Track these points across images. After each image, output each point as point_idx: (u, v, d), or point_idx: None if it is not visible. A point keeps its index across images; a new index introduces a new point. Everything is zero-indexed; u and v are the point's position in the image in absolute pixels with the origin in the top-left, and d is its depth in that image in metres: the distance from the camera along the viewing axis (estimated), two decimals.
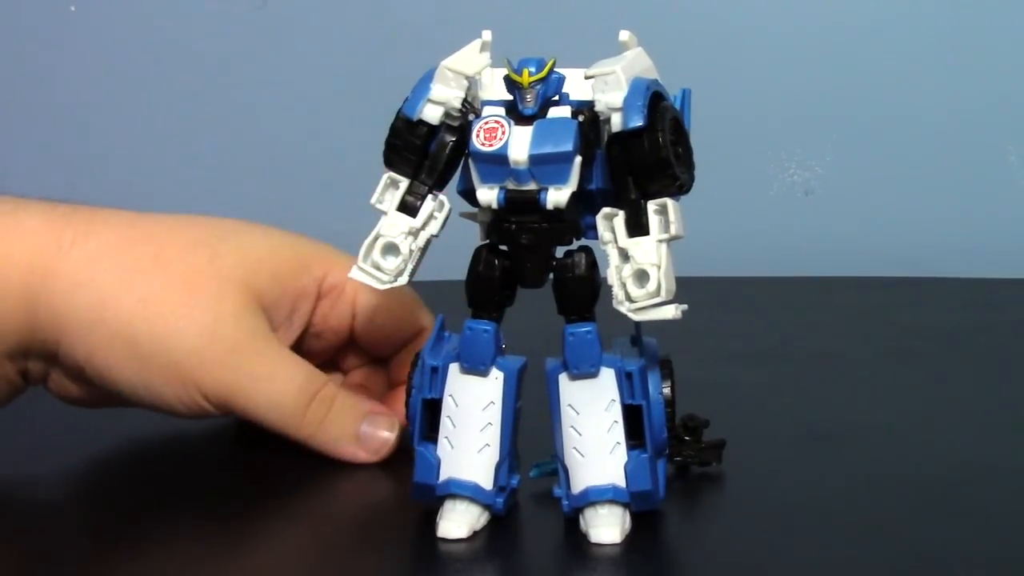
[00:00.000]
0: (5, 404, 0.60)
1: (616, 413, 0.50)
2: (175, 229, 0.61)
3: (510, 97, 0.49)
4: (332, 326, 0.63)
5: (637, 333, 0.53)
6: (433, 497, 0.51)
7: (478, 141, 0.49)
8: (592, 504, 0.50)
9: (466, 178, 0.50)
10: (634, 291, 0.48)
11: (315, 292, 0.62)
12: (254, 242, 0.61)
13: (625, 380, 0.50)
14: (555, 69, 0.49)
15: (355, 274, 0.51)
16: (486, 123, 0.49)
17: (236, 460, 0.62)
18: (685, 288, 0.49)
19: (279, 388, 0.58)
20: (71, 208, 0.60)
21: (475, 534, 0.50)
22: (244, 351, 0.58)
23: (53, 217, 0.59)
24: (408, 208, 0.50)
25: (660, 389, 0.51)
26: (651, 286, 0.47)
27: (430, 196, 0.50)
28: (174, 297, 0.58)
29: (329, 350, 0.64)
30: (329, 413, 0.59)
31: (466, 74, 0.49)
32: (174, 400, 0.58)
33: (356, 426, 0.59)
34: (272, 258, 0.61)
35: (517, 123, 0.49)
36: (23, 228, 0.58)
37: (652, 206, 0.48)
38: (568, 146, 0.48)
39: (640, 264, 0.48)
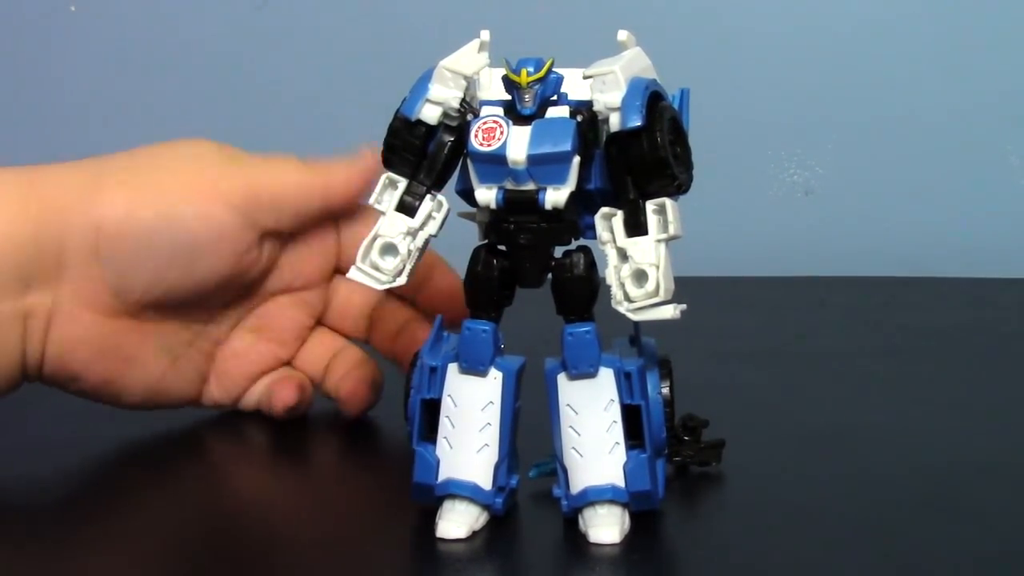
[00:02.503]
0: (5, 389, 0.60)
1: (615, 413, 0.50)
2: None
3: (508, 97, 0.49)
4: (317, 246, 0.64)
5: (636, 333, 0.53)
6: (432, 497, 0.51)
7: (476, 141, 0.49)
8: (591, 504, 0.50)
9: (464, 178, 0.50)
10: (633, 291, 0.48)
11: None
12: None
13: (624, 380, 0.50)
14: (553, 69, 0.49)
15: (353, 274, 0.51)
16: (484, 123, 0.49)
17: (234, 460, 0.62)
18: (684, 288, 0.49)
19: (293, 169, 0.61)
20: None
21: (474, 534, 0.50)
22: (254, 159, 0.61)
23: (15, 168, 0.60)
24: (406, 208, 0.50)
25: (659, 389, 0.51)
26: (650, 286, 0.47)
27: (428, 196, 0.50)
28: (169, 145, 0.62)
29: (322, 273, 0.65)
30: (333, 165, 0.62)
31: (464, 74, 0.49)
32: (196, 221, 0.59)
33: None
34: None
35: (515, 123, 0.49)
36: None
37: (651, 206, 0.48)
38: (566, 146, 0.48)
39: (639, 264, 0.48)
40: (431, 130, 0.50)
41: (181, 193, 0.59)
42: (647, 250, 0.48)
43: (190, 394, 0.64)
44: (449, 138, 0.50)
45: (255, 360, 0.65)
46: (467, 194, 0.50)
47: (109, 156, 0.61)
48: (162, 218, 0.58)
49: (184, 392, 0.64)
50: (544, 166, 0.48)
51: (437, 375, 0.51)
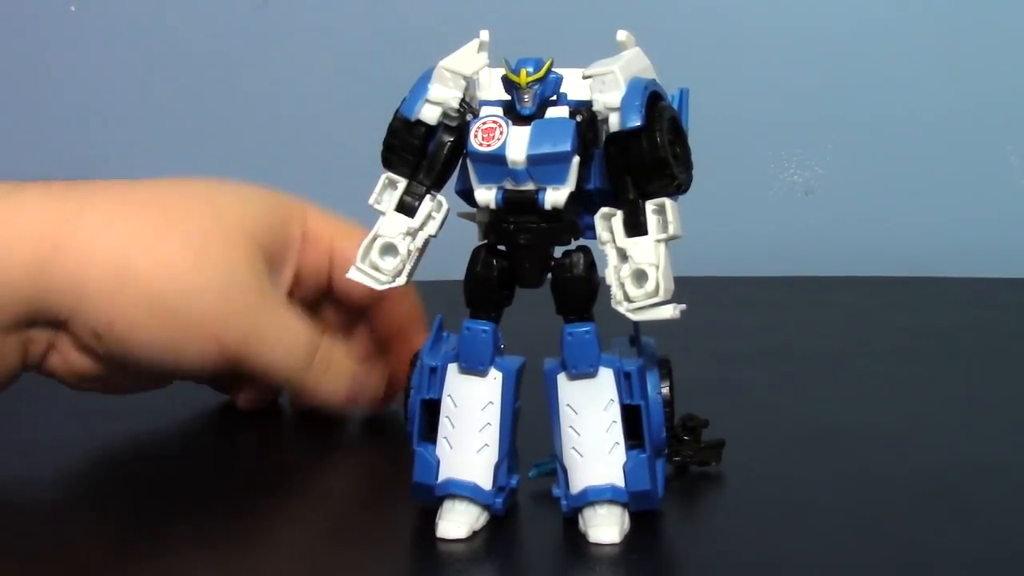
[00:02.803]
0: (2, 388, 0.60)
1: (615, 413, 0.50)
2: (174, 190, 0.62)
3: (508, 97, 0.49)
4: (311, 272, 0.65)
5: (636, 333, 0.53)
6: (432, 498, 0.51)
7: (476, 141, 0.48)
8: (591, 504, 0.50)
9: (464, 178, 0.50)
10: (632, 291, 0.48)
11: (299, 241, 0.64)
12: (249, 197, 0.63)
13: (624, 380, 0.50)
14: (553, 69, 0.49)
15: (353, 274, 0.50)
16: (484, 123, 0.49)
17: (234, 460, 0.62)
18: (684, 288, 0.49)
19: (289, 344, 0.61)
20: (67, 184, 0.61)
21: (474, 534, 0.50)
22: (258, 309, 0.60)
23: (52, 194, 0.59)
24: (406, 208, 0.50)
25: (659, 389, 0.51)
26: (649, 286, 0.47)
27: (428, 196, 0.50)
28: (191, 258, 0.59)
29: (308, 297, 0.66)
30: (329, 367, 0.62)
31: (464, 74, 0.49)
32: (194, 355, 0.59)
33: (351, 379, 0.63)
34: (266, 213, 0.63)
35: (515, 123, 0.49)
36: (25, 204, 0.59)
37: (650, 206, 0.48)
38: (566, 146, 0.48)
39: (638, 264, 0.48)
40: (431, 130, 0.50)
41: (184, 330, 0.59)
42: (647, 250, 0.48)
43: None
44: (449, 138, 0.50)
45: None
46: (467, 194, 0.50)
47: (140, 207, 0.60)
48: (163, 345, 0.59)
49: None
50: (543, 166, 0.48)
51: (437, 375, 0.51)
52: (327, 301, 0.67)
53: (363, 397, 0.63)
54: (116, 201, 0.60)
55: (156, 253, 0.59)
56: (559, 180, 0.48)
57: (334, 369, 0.62)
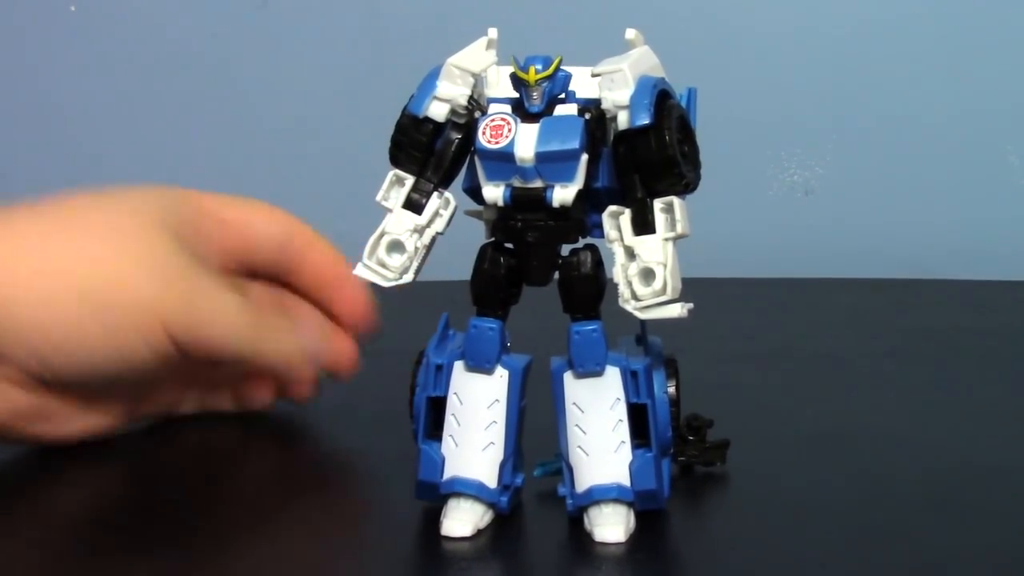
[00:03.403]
0: None
1: (621, 412, 0.50)
2: (79, 199, 0.60)
3: (516, 95, 0.49)
4: (231, 251, 0.64)
5: (642, 332, 0.53)
6: (437, 496, 0.51)
7: (484, 138, 0.48)
8: (596, 503, 0.50)
9: (472, 176, 0.50)
10: (640, 289, 0.48)
11: (213, 225, 0.63)
12: (152, 194, 0.62)
13: (630, 379, 0.50)
14: (561, 67, 0.49)
15: (360, 271, 0.50)
16: (492, 120, 0.49)
17: (236, 458, 0.62)
18: (685, 289, 0.49)
19: (232, 316, 0.59)
20: None
21: (479, 533, 0.50)
22: (195, 286, 0.59)
23: None
24: (413, 205, 0.50)
25: (665, 388, 0.51)
26: (657, 284, 0.47)
27: (435, 193, 0.50)
28: (115, 246, 0.58)
29: (237, 279, 0.65)
30: (278, 331, 0.61)
31: (472, 71, 0.49)
32: (143, 348, 0.57)
33: (302, 340, 0.62)
34: (172, 203, 0.62)
35: (523, 121, 0.49)
36: None
37: (658, 204, 0.48)
38: (574, 144, 0.48)
39: (646, 262, 0.48)
40: (438, 127, 0.50)
41: (129, 324, 0.57)
42: (654, 248, 0.48)
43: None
44: (456, 135, 0.50)
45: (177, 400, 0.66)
46: (474, 192, 0.50)
47: (53, 219, 0.59)
48: (108, 341, 0.57)
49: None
50: (552, 164, 0.48)
51: (443, 373, 0.51)
52: (257, 281, 0.66)
53: (325, 355, 0.63)
54: (27, 222, 0.58)
55: (78, 249, 0.57)
56: (567, 178, 0.48)
57: (282, 333, 0.61)
